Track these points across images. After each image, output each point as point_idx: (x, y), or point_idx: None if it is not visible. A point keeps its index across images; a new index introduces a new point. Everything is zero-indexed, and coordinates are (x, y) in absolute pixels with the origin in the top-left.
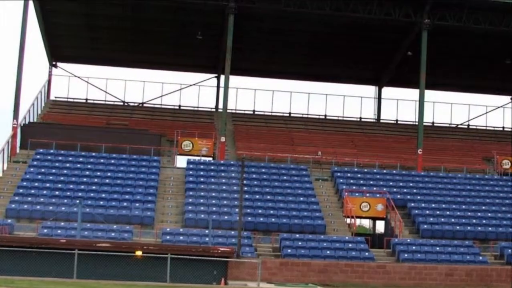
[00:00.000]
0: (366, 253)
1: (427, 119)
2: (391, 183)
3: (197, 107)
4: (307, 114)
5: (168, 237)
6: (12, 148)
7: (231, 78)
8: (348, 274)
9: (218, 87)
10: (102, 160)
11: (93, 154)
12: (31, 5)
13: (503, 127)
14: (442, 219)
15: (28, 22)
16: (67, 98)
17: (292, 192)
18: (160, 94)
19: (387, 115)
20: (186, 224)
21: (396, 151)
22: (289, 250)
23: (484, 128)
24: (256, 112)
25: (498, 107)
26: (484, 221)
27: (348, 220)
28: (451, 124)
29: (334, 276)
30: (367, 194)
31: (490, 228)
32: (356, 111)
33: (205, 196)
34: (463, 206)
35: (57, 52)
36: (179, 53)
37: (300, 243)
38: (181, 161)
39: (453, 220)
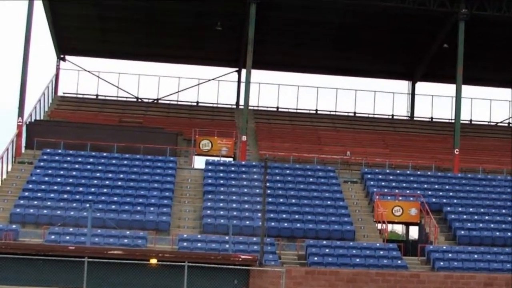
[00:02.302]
0: (399, 261)
1: (464, 116)
2: (425, 186)
3: (217, 103)
4: (335, 111)
5: (185, 243)
6: (17, 148)
7: (253, 72)
8: (379, 284)
9: (239, 82)
10: (114, 161)
11: (104, 154)
12: None
13: None
14: (481, 224)
15: (34, 12)
16: (76, 94)
17: (319, 195)
18: (176, 89)
19: (421, 112)
20: (204, 230)
21: (431, 151)
22: (315, 258)
23: None
24: (280, 109)
25: None
26: None
27: (379, 226)
28: (490, 122)
29: (364, 286)
30: (400, 198)
31: None
32: (388, 108)
33: (225, 199)
34: (503, 210)
35: (66, 44)
36: (197, 46)
37: (327, 250)
38: (199, 162)
39: (492, 225)
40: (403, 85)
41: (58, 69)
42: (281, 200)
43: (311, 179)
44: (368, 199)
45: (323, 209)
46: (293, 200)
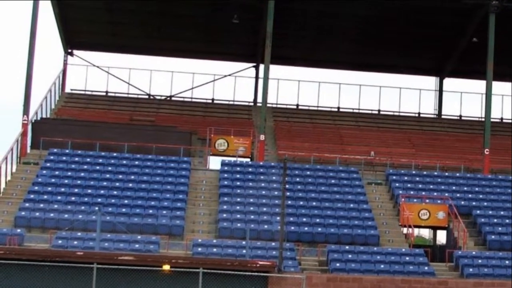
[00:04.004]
0: (426, 268)
1: (495, 114)
2: (453, 188)
3: (233, 101)
4: (358, 109)
5: (199, 249)
6: (22, 148)
7: (271, 68)
8: None
9: (256, 78)
10: (124, 162)
11: (114, 154)
12: None
13: None
14: None
15: (40, 5)
16: (85, 90)
17: (341, 197)
18: (190, 86)
19: (450, 110)
20: (220, 234)
21: (459, 151)
22: (337, 264)
23: None
24: (300, 107)
25: None
26: None
27: (404, 230)
28: None
29: None
30: (427, 200)
31: None
32: (414, 106)
33: (242, 202)
34: None
35: (73, 38)
36: (212, 40)
37: (350, 256)
38: (214, 163)
39: None
40: (430, 81)
41: (65, 64)
42: (301, 203)
43: (332, 181)
44: (393, 202)
45: (345, 212)
46: (314, 203)
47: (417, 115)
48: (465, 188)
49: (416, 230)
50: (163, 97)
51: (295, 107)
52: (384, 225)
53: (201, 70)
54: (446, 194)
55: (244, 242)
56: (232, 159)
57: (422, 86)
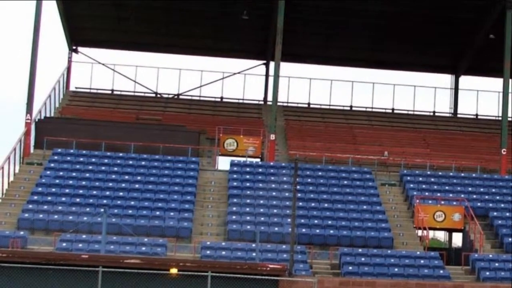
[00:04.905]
0: (441, 271)
1: None
2: (470, 189)
3: (242, 99)
4: (372, 108)
5: (208, 252)
6: (25, 148)
7: (282, 66)
8: None
9: (267, 75)
10: (130, 162)
11: (120, 154)
12: None
13: None
14: None
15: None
16: (90, 88)
17: (354, 199)
18: (198, 84)
19: (465, 108)
20: (229, 236)
21: (476, 151)
22: (350, 267)
23: None
24: (311, 105)
25: None
26: None
27: (419, 232)
28: None
29: None
30: (442, 202)
31: None
32: (429, 104)
33: (252, 204)
34: None
35: (78, 34)
36: (221, 36)
37: (363, 259)
38: (223, 163)
39: None
40: (445, 79)
41: (69, 61)
42: (313, 204)
43: (345, 182)
44: (407, 203)
45: (358, 214)
46: (326, 205)
47: (432, 114)
48: (482, 189)
49: (431, 233)
50: (170, 96)
51: (306, 105)
52: (398, 227)
53: (210, 68)
54: (462, 196)
55: (253, 245)
56: (242, 159)
57: (437, 84)
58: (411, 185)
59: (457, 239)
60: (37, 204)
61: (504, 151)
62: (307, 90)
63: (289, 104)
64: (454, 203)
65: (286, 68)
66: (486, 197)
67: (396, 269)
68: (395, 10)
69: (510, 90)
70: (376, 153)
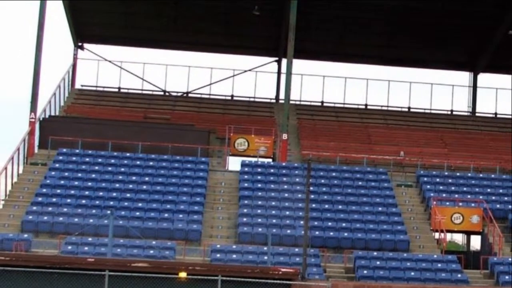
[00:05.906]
0: (459, 275)
1: None
2: (488, 190)
3: (254, 97)
4: (387, 106)
5: (218, 255)
6: (30, 148)
7: (294, 63)
8: None
9: (279, 73)
10: (138, 162)
11: (128, 154)
12: None
13: None
14: None
15: None
16: (96, 86)
17: (369, 200)
18: (208, 81)
19: (484, 107)
20: (240, 239)
21: (494, 150)
22: (365, 271)
23: None
24: (325, 104)
25: None
26: None
27: (436, 235)
28: None
29: None
30: (460, 203)
31: None
32: (446, 103)
33: (263, 205)
34: None
35: (84, 31)
36: (232, 32)
37: (378, 262)
38: (234, 163)
39: None
40: (463, 77)
41: (75, 58)
42: (326, 206)
43: (360, 183)
44: (424, 205)
45: (373, 216)
46: (340, 206)
47: (449, 112)
48: (501, 191)
49: (448, 235)
50: (179, 94)
51: (319, 104)
52: (414, 230)
53: (220, 65)
54: (481, 197)
55: (265, 248)
56: (253, 159)
57: (454, 81)
58: (428, 186)
59: (476, 242)
60: (42, 206)
61: None
62: (320, 88)
63: (302, 103)
64: (473, 204)
65: (299, 65)
66: (506, 198)
67: (412, 273)
68: (411, 5)
69: None
70: (392, 153)
